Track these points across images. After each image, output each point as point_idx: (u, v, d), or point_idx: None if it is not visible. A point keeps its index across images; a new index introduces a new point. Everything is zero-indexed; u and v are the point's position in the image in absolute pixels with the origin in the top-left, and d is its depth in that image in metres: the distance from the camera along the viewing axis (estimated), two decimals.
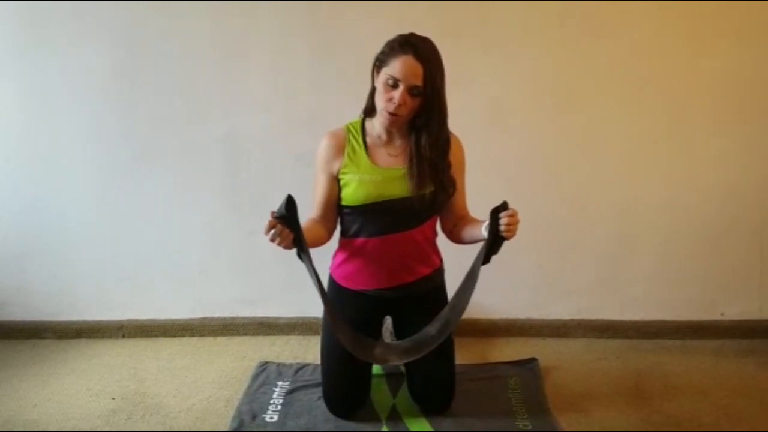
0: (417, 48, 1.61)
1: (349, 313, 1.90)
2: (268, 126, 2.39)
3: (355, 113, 2.31)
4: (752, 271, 2.53)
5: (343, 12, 2.26)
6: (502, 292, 2.53)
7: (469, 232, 1.83)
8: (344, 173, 1.79)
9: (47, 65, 2.33)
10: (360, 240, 1.84)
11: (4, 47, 2.31)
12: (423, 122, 1.70)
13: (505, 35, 2.29)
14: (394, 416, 2.02)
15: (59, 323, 2.59)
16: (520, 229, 2.44)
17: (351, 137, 1.80)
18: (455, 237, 1.91)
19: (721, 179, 2.43)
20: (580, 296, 2.58)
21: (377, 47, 2.27)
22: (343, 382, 1.95)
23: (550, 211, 2.47)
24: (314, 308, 2.60)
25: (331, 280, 1.98)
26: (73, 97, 2.36)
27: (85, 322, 2.59)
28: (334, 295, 1.95)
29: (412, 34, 1.67)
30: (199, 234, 2.52)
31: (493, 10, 2.26)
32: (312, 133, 2.37)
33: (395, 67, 1.62)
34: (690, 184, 2.44)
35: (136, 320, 2.60)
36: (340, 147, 1.80)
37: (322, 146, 1.83)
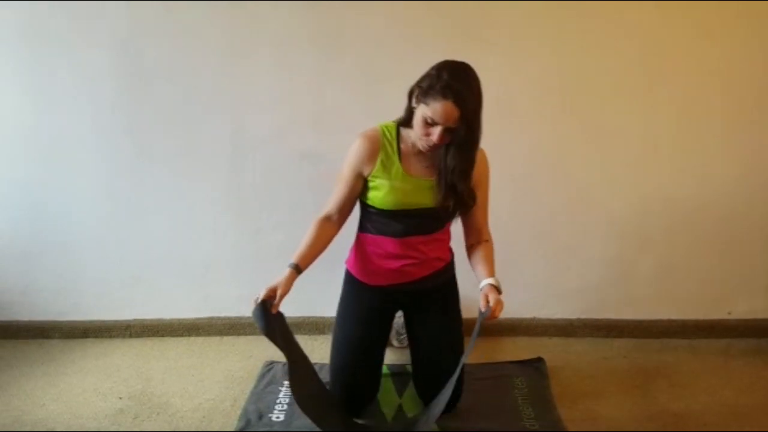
0: (457, 94, 1.59)
1: (363, 307, 1.97)
2: (274, 125, 2.39)
3: (359, 112, 2.33)
4: (759, 269, 2.52)
5: (347, 11, 2.26)
6: (507, 291, 2.48)
7: (476, 270, 1.88)
8: (375, 177, 1.80)
9: (53, 65, 2.33)
10: (380, 238, 1.87)
11: (11, 47, 2.32)
12: (455, 149, 1.71)
13: (510, 33, 2.28)
14: (400, 415, 2.02)
15: (66, 323, 2.60)
16: (526, 228, 2.47)
17: (386, 142, 1.80)
18: (468, 257, 1.94)
19: (728, 177, 2.42)
20: (585, 295, 2.57)
21: (380, 47, 2.29)
22: (356, 376, 1.96)
23: (555, 210, 2.47)
24: (320, 308, 2.61)
25: (348, 273, 2.01)
26: (79, 96, 2.36)
27: (91, 322, 2.60)
28: (349, 288, 2.00)
29: (453, 72, 1.63)
30: (206, 233, 2.52)
31: (498, 8, 2.25)
32: (317, 132, 2.39)
33: (435, 109, 1.61)
34: (696, 182, 2.43)
35: (143, 320, 2.61)
36: (374, 152, 1.80)
37: (357, 148, 1.82)
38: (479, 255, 1.89)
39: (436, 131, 1.65)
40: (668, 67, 2.31)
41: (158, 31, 2.30)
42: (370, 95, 2.32)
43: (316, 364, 2.31)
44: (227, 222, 2.51)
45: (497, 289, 1.78)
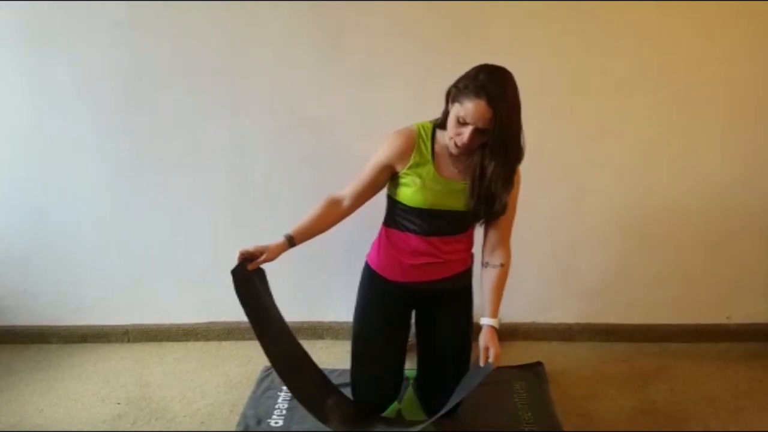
0: (491, 95, 1.59)
1: (382, 301, 1.95)
2: (273, 128, 2.39)
3: (359, 114, 2.32)
4: (758, 274, 2.51)
5: (347, 13, 2.26)
6: (506, 296, 2.48)
7: (483, 298, 1.90)
8: (406, 174, 1.79)
9: (53, 68, 2.32)
10: (405, 234, 1.86)
11: (11, 47, 2.31)
12: (490, 156, 1.69)
13: (510, 33, 2.27)
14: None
15: (64, 328, 2.59)
16: (525, 231, 2.46)
17: (421, 141, 1.80)
18: (481, 276, 1.94)
19: (727, 181, 2.41)
20: (585, 300, 2.57)
21: (380, 49, 2.29)
22: (378, 370, 1.97)
23: (554, 214, 2.46)
24: (318, 313, 2.61)
25: (368, 268, 1.99)
26: (79, 100, 2.36)
27: (90, 327, 2.60)
28: (368, 283, 1.99)
29: (489, 73, 1.63)
30: (204, 237, 2.51)
31: (498, 7, 2.24)
32: (315, 136, 2.38)
33: (467, 108, 1.61)
34: (695, 186, 2.42)
35: (141, 325, 2.61)
36: (408, 149, 1.79)
37: (392, 142, 1.80)
38: (490, 284, 1.89)
39: (467, 131, 1.64)
40: (668, 68, 2.30)
41: (158, 32, 2.29)
42: (371, 96, 2.31)
43: None
44: (226, 226, 2.50)
45: (497, 332, 1.83)
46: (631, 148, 2.38)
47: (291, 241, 1.78)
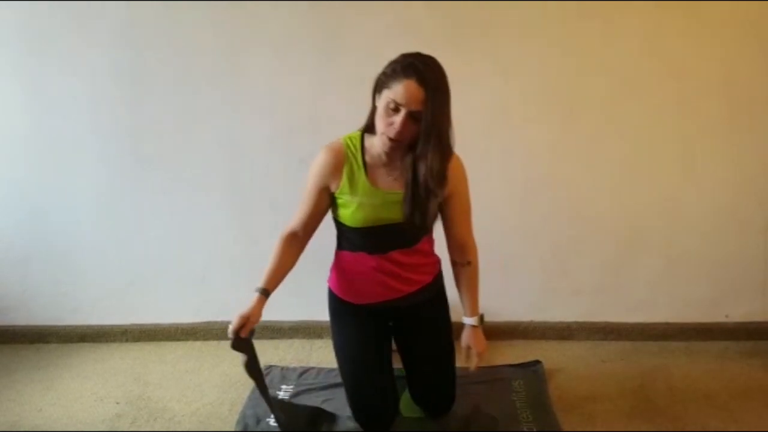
0: (421, 73, 1.52)
1: (353, 327, 1.89)
2: (271, 130, 2.39)
3: (357, 117, 2.32)
4: (757, 272, 2.52)
5: (345, 15, 2.27)
6: (505, 294, 2.52)
7: (461, 299, 1.89)
8: (342, 194, 1.71)
9: (53, 68, 2.33)
10: (359, 255, 1.79)
11: (11, 47, 2.32)
12: (423, 147, 1.59)
13: (510, 34, 2.28)
14: (398, 417, 2.02)
15: (63, 328, 2.60)
16: (523, 231, 2.47)
17: (350, 154, 1.71)
18: (454, 276, 1.90)
19: (725, 181, 2.42)
20: (583, 298, 2.57)
21: (380, 50, 2.27)
22: (371, 396, 1.89)
23: (553, 213, 2.47)
24: (317, 312, 2.60)
25: (331, 294, 1.93)
26: (77, 101, 2.36)
27: (89, 327, 2.60)
28: (336, 311, 1.93)
29: (417, 56, 1.57)
30: (203, 237, 2.52)
31: (498, 9, 2.25)
32: (314, 136, 2.37)
33: (397, 90, 1.53)
34: (694, 185, 2.43)
35: (140, 324, 2.60)
36: (338, 165, 1.71)
37: (320, 161, 1.72)
38: (462, 284, 1.86)
39: (399, 117, 1.54)
40: (667, 70, 2.31)
41: (158, 32, 2.30)
42: (368, 100, 2.31)
43: (313, 368, 2.33)
44: (224, 226, 2.51)
45: (479, 329, 1.85)
46: (630, 148, 2.39)
47: (266, 293, 1.69)
